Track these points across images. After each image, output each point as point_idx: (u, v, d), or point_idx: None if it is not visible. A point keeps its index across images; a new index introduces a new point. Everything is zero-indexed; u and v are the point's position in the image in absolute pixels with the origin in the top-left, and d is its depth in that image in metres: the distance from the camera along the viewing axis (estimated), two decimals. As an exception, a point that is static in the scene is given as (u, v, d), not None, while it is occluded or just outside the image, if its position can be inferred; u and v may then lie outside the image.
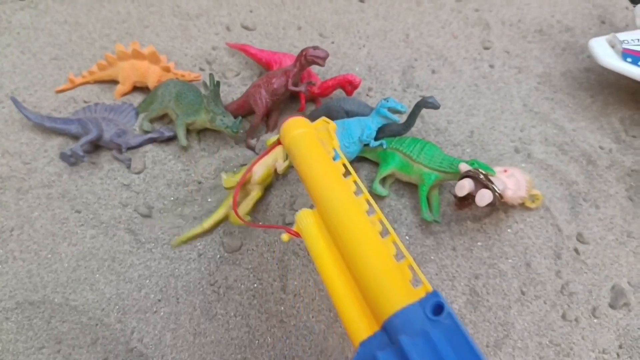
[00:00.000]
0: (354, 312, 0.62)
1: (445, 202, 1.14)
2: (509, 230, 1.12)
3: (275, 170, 1.13)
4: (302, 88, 1.20)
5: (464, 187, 1.02)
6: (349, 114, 1.19)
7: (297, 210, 0.82)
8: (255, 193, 1.10)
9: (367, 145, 1.14)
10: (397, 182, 1.17)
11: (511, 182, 1.08)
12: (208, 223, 1.08)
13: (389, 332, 0.55)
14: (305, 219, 0.73)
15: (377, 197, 1.14)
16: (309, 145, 0.78)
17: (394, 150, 1.14)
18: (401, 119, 1.15)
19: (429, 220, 1.08)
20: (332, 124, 0.84)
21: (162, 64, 1.28)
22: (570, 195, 1.17)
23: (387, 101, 1.11)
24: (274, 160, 1.12)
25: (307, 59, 1.15)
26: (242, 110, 1.25)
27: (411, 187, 1.15)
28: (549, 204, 1.15)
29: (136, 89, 1.32)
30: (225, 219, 1.10)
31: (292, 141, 0.80)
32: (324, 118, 0.85)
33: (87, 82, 1.33)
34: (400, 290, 0.58)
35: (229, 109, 1.24)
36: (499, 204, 1.11)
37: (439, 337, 0.50)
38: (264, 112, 1.21)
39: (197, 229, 1.08)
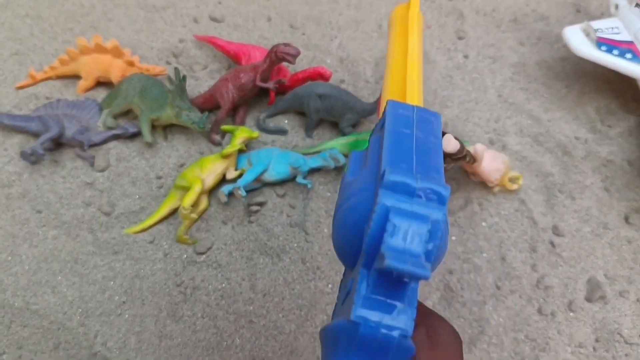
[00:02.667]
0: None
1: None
2: (483, 223, 1.11)
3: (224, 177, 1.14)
4: (270, 85, 1.19)
5: None
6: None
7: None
8: (204, 204, 1.10)
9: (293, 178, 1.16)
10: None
11: (487, 153, 1.08)
12: (160, 212, 1.09)
13: None
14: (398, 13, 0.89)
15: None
16: (394, 29, 0.87)
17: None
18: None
19: None
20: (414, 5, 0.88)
21: (125, 57, 1.25)
22: (545, 187, 1.17)
23: (334, 151, 1.12)
24: (225, 168, 1.12)
25: (277, 55, 1.14)
26: (209, 104, 1.22)
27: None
28: (524, 196, 1.15)
29: (100, 84, 1.29)
30: (173, 210, 1.10)
31: (389, 24, 0.92)
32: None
33: (49, 78, 1.30)
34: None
35: (195, 102, 1.22)
36: (472, 173, 1.12)
37: (374, 141, 0.54)
38: (229, 107, 1.19)
39: (151, 219, 1.08)
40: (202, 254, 1.04)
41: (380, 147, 0.48)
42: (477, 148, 1.06)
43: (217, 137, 1.20)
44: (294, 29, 1.46)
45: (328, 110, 1.19)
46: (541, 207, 1.14)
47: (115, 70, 1.25)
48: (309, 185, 1.13)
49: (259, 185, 1.13)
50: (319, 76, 1.25)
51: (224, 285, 1.01)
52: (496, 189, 1.14)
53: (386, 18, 1.50)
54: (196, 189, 1.06)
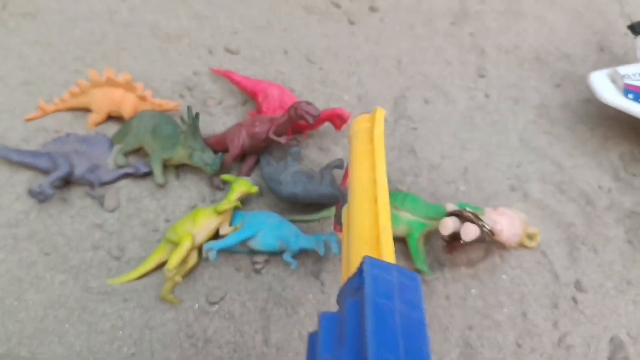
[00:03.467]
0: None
1: (438, 248, 1.11)
2: (504, 276, 1.09)
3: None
4: (282, 139, 1.15)
5: (447, 225, 1.01)
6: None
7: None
8: (193, 261, 1.06)
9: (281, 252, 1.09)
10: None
11: (504, 220, 1.06)
12: (146, 265, 1.06)
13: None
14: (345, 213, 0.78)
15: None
16: (355, 144, 0.82)
17: None
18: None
19: (425, 270, 1.06)
20: (380, 112, 0.83)
21: (138, 92, 1.24)
22: (568, 239, 1.15)
23: (331, 238, 1.05)
24: (219, 223, 1.08)
25: (297, 112, 1.12)
26: (220, 146, 1.21)
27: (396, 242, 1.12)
28: (546, 248, 1.13)
29: (111, 118, 1.28)
30: (161, 263, 1.07)
31: (350, 137, 0.85)
32: (376, 107, 0.85)
33: (59, 110, 1.29)
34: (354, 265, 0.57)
35: (207, 142, 1.20)
36: (492, 242, 1.09)
37: (351, 307, 0.49)
38: (237, 153, 1.17)
39: (136, 271, 1.05)
40: (214, 303, 1.02)
41: (359, 321, 0.46)
42: (496, 225, 1.03)
43: (219, 182, 1.18)
44: (311, 63, 1.44)
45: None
46: (563, 260, 1.12)
47: (127, 105, 1.23)
48: (293, 267, 1.07)
49: (245, 250, 1.09)
50: (338, 117, 1.23)
51: (236, 338, 0.99)
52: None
53: (406, 53, 1.48)
54: (185, 246, 1.02)
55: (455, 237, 1.04)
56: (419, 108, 1.36)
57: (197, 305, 1.02)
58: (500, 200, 1.19)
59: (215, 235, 1.08)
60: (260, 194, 1.17)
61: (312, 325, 1.00)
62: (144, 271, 1.05)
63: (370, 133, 0.80)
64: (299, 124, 1.21)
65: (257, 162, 1.22)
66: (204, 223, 1.06)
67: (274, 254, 1.09)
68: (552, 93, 1.42)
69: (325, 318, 0.51)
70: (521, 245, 1.12)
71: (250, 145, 1.17)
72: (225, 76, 1.34)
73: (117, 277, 1.05)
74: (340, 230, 0.82)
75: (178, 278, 1.01)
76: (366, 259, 0.51)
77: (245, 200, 1.15)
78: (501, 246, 1.10)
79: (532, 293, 1.07)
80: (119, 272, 1.06)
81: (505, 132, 1.32)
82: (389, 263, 0.52)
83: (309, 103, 1.12)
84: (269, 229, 1.07)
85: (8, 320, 0.99)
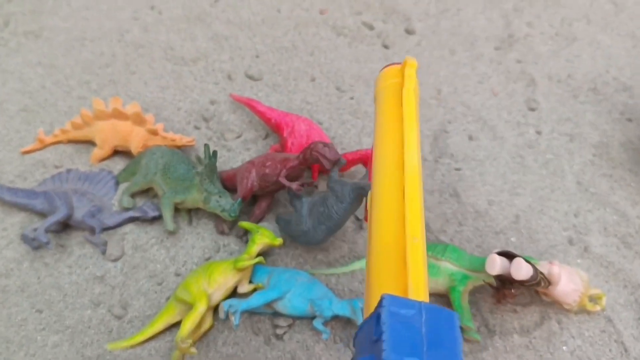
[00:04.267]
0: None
1: (486, 309, 0.97)
2: (564, 347, 0.95)
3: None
4: (293, 185, 1.01)
5: (495, 261, 0.88)
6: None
7: None
8: (207, 325, 0.93)
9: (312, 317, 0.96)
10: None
11: (562, 271, 0.93)
12: (153, 327, 0.93)
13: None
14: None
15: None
16: (383, 106, 0.68)
17: None
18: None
19: (470, 329, 0.92)
20: (411, 63, 0.68)
21: (148, 125, 1.12)
22: (636, 302, 1.01)
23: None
24: (237, 281, 0.95)
25: (312, 155, 0.98)
26: (229, 183, 1.09)
27: (437, 301, 0.98)
28: (611, 313, 0.99)
29: (117, 152, 1.16)
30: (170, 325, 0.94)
31: (377, 94, 0.72)
32: (407, 57, 0.70)
33: (59, 142, 1.17)
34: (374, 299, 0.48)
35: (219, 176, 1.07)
36: (548, 300, 0.96)
37: None
38: (245, 195, 1.05)
39: (141, 334, 0.92)
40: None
41: None
42: (552, 271, 0.91)
43: (224, 227, 1.05)
44: (341, 91, 1.31)
45: None
46: (632, 328, 0.98)
47: (136, 139, 1.11)
48: (325, 337, 0.94)
49: (270, 311, 0.96)
50: (370, 159, 1.10)
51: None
52: (575, 309, 0.98)
53: (446, 82, 1.35)
54: (200, 310, 0.89)
55: (504, 282, 0.92)
56: (462, 145, 1.23)
57: (211, 377, 0.90)
58: (557, 255, 1.05)
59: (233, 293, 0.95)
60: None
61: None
62: (150, 334, 0.92)
63: (399, 92, 0.66)
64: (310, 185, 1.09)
65: (271, 204, 1.11)
66: (221, 280, 0.93)
67: (301, 318, 0.96)
68: (611, 129, 1.28)
69: None
70: (583, 309, 0.98)
71: (260, 187, 1.05)
72: (248, 105, 1.22)
73: (118, 340, 0.92)
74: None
75: (193, 350, 0.87)
76: (385, 298, 0.39)
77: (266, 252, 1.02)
78: (559, 308, 0.97)
79: (597, 369, 0.93)
80: (121, 333, 0.93)
81: (561, 174, 1.19)
82: (416, 301, 0.40)
83: (326, 145, 0.98)
84: (299, 290, 0.94)
85: (-7, 389, 0.87)
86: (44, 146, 1.17)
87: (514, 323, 0.97)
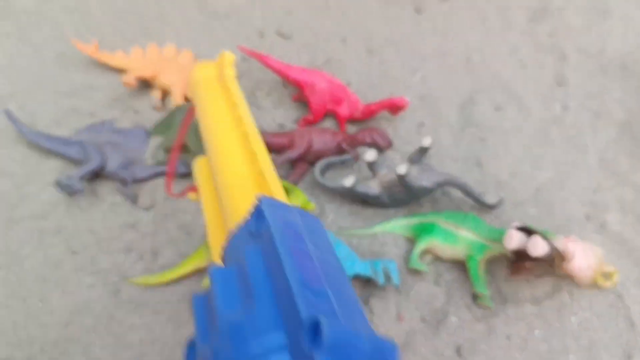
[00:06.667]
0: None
1: (501, 278, 1.03)
2: (572, 318, 1.01)
3: None
4: (353, 152, 1.15)
5: (512, 236, 0.94)
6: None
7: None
8: None
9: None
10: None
11: (577, 247, 0.98)
12: (182, 268, 0.99)
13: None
14: (200, 167, 0.77)
15: (416, 275, 1.02)
16: (204, 91, 0.77)
17: (431, 221, 1.04)
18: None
19: (484, 295, 0.98)
20: (229, 55, 0.80)
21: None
22: (647, 280, 1.06)
23: (390, 265, 0.99)
24: None
25: (372, 138, 1.17)
26: (277, 146, 1.14)
27: (453, 267, 1.04)
28: (621, 289, 1.05)
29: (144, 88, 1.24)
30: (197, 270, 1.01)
31: (194, 87, 0.81)
32: (222, 51, 0.82)
33: (109, 64, 1.26)
34: (240, 214, 0.51)
35: (266, 138, 1.13)
36: (561, 273, 1.01)
37: (251, 256, 0.40)
38: (298, 155, 1.11)
39: (168, 274, 0.99)
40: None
41: (269, 270, 0.38)
42: (568, 248, 0.95)
43: None
44: (371, 55, 1.35)
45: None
46: (641, 304, 1.03)
47: (182, 88, 1.17)
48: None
49: None
50: (396, 107, 1.18)
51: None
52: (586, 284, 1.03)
53: (476, 50, 1.38)
54: None
55: (520, 256, 0.97)
56: (488, 114, 1.27)
57: (234, 324, 0.96)
58: (573, 229, 1.10)
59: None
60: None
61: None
62: (178, 275, 0.99)
63: (218, 78, 0.76)
64: (338, 113, 1.20)
65: (306, 171, 1.16)
66: None
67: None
68: (638, 108, 1.31)
69: (217, 272, 0.41)
70: (594, 285, 1.03)
71: (312, 152, 1.13)
72: (259, 60, 1.23)
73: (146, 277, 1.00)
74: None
75: None
76: (263, 198, 0.43)
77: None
78: (571, 281, 1.02)
79: (603, 340, 0.99)
80: (151, 279, 1.01)
81: (583, 150, 1.23)
82: (288, 204, 0.44)
83: (383, 134, 1.16)
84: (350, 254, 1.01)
85: (31, 324, 0.95)
86: (94, 57, 1.26)
87: (526, 292, 1.03)
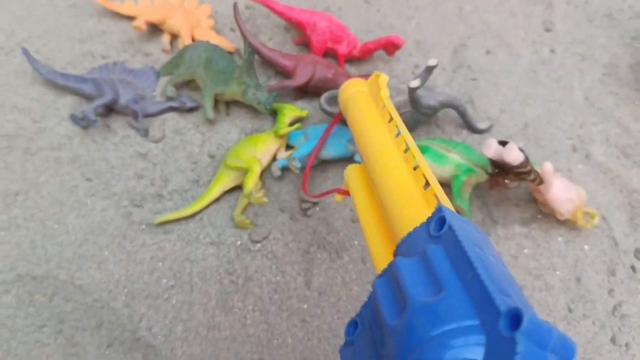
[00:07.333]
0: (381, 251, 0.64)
1: (492, 203, 1.09)
2: (559, 238, 1.07)
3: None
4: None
5: (491, 145, 0.98)
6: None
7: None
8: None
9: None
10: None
11: (559, 181, 1.04)
12: (198, 205, 1.05)
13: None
14: (351, 174, 0.79)
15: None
16: (360, 104, 0.85)
17: (425, 145, 1.09)
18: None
19: (466, 208, 1.03)
20: (383, 77, 0.85)
21: (210, 24, 1.26)
22: (629, 205, 1.12)
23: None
24: (278, 147, 1.11)
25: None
26: (280, 68, 1.22)
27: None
28: (605, 212, 1.10)
29: (153, 33, 1.29)
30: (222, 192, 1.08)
31: (347, 100, 0.89)
32: (375, 73, 0.87)
33: (120, 12, 1.34)
34: (411, 218, 0.56)
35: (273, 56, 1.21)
36: (543, 206, 1.08)
37: (435, 253, 0.46)
38: (302, 83, 1.17)
39: (186, 211, 1.04)
40: (257, 242, 1.02)
41: (455, 267, 0.43)
42: (544, 167, 1.01)
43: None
44: (368, 4, 1.41)
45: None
46: (624, 226, 1.09)
47: (189, 31, 1.24)
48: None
49: (316, 162, 1.10)
50: (392, 46, 1.24)
51: (278, 278, 0.99)
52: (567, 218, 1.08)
53: (468, 1, 1.43)
54: (257, 170, 1.04)
55: (500, 168, 1.02)
56: (479, 58, 1.33)
57: (239, 242, 1.02)
58: (560, 160, 1.16)
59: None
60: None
61: (355, 271, 1.00)
62: (209, 201, 1.06)
63: (373, 95, 0.83)
64: (338, 52, 1.26)
65: None
66: (266, 147, 1.08)
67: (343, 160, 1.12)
68: (622, 52, 1.37)
69: (403, 263, 0.47)
70: (575, 222, 1.08)
71: (314, 82, 1.18)
72: (265, 5, 1.29)
73: (163, 213, 1.05)
74: (345, 194, 0.84)
75: (264, 199, 1.07)
76: (442, 207, 0.49)
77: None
78: (552, 215, 1.08)
79: (588, 257, 1.05)
80: (161, 203, 1.06)
81: (570, 89, 1.29)
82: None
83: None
84: (336, 134, 1.09)
85: (48, 243, 1.01)
86: (106, 5, 1.33)
87: (515, 215, 1.08)
